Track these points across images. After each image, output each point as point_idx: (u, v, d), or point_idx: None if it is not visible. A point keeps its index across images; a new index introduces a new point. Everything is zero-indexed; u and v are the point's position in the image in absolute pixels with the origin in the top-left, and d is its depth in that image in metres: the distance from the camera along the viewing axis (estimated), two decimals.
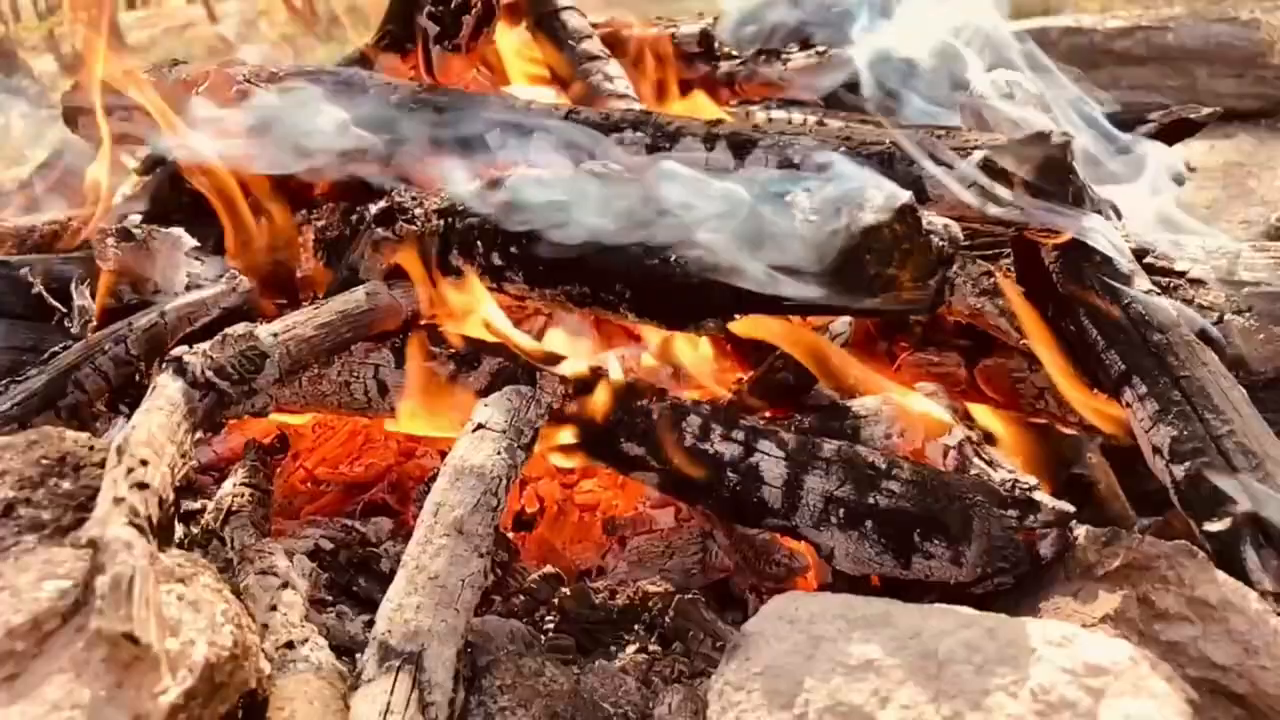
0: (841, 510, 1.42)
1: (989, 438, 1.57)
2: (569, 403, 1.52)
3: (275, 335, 1.48)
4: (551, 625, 1.51)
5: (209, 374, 1.37)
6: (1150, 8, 5.52)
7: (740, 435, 1.50)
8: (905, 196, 1.19)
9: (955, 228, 1.24)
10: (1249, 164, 4.10)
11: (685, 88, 2.47)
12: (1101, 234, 1.49)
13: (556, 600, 1.53)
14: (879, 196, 1.20)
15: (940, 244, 1.21)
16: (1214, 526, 1.27)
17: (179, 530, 1.63)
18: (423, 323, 1.69)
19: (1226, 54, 4.73)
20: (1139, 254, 1.65)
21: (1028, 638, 1.03)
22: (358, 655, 1.30)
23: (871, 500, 1.41)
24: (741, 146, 1.59)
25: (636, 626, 1.51)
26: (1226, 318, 1.58)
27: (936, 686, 0.99)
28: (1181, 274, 1.64)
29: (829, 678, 1.03)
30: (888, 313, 1.25)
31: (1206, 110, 1.95)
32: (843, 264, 1.20)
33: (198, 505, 1.70)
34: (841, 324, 1.80)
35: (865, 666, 1.03)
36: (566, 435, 1.53)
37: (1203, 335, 1.47)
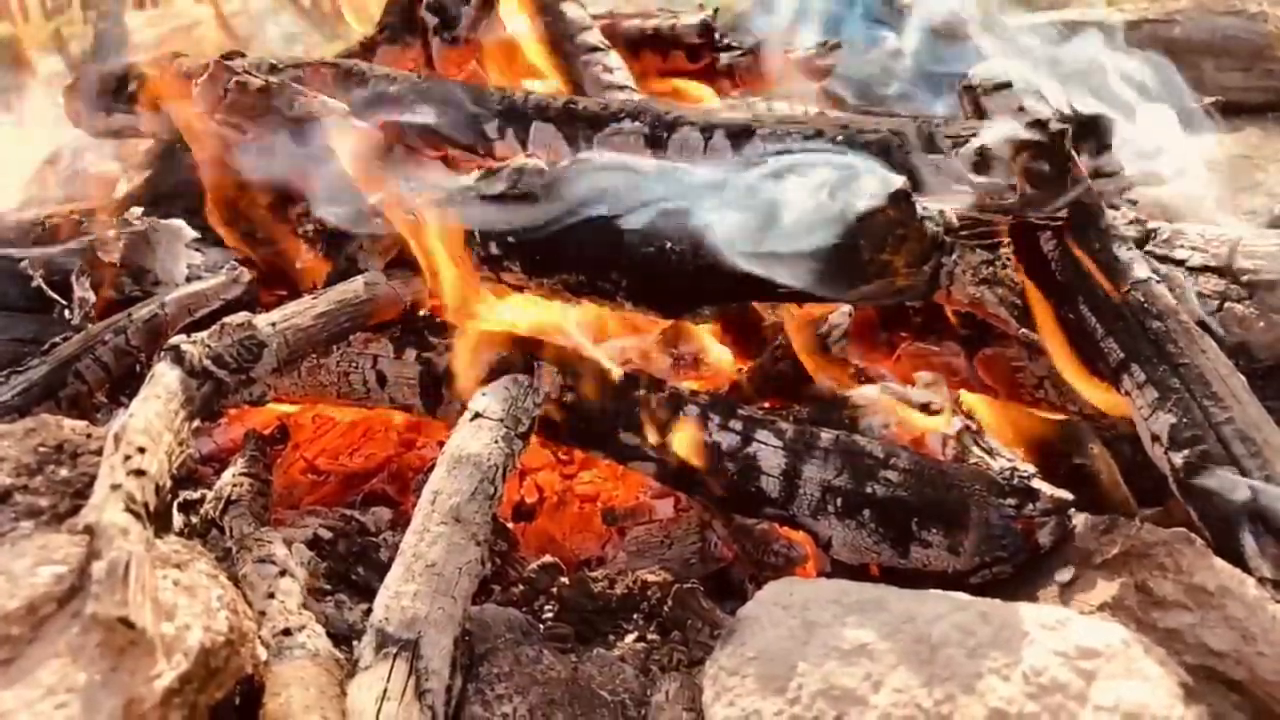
0: (839, 499, 1.42)
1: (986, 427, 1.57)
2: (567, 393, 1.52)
3: (273, 325, 1.48)
4: (550, 614, 1.51)
5: (207, 363, 1.38)
6: (1156, 1, 5.49)
7: (738, 425, 1.50)
8: (900, 182, 1.19)
9: (951, 214, 1.24)
10: (1255, 157, 4.07)
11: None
12: (1100, 222, 1.48)
13: (555, 589, 1.53)
14: (873, 182, 1.19)
15: (935, 230, 1.21)
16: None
17: (179, 520, 1.63)
18: (422, 313, 1.70)
19: (1233, 47, 4.69)
20: (1139, 241, 1.64)
21: (1020, 621, 1.02)
22: (356, 643, 1.30)
23: (869, 489, 1.41)
24: (739, 135, 1.59)
25: (635, 615, 1.51)
26: (1226, 305, 1.57)
27: (929, 670, 0.99)
28: (1181, 261, 1.63)
29: (822, 662, 1.03)
30: (882, 299, 1.25)
31: (1209, 99, 1.94)
32: (837, 250, 1.20)
33: (197, 495, 1.71)
34: (841, 314, 1.79)
35: (859, 651, 1.03)
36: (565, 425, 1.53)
37: (1202, 323, 1.46)
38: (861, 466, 1.43)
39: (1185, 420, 1.34)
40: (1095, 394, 1.53)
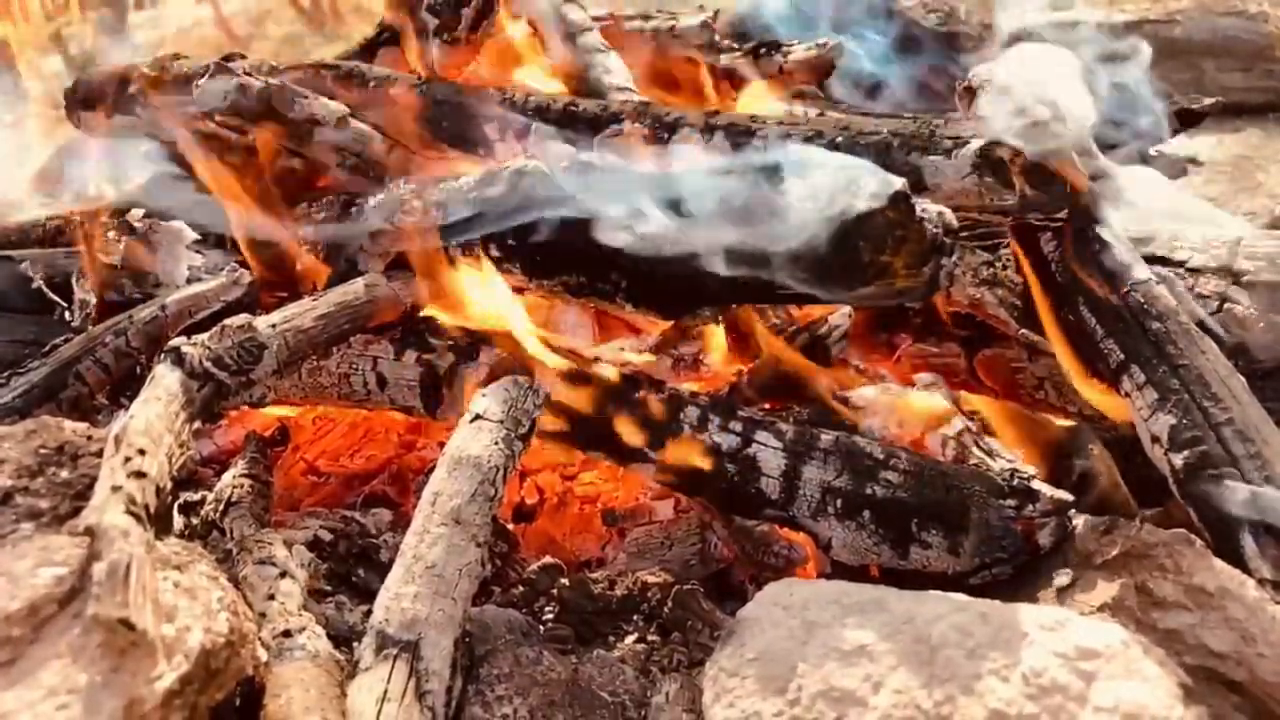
0: (839, 500, 1.42)
1: (987, 428, 1.57)
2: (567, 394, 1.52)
3: (273, 327, 1.48)
4: (551, 615, 1.51)
5: (207, 365, 1.38)
6: (1158, 1, 5.48)
7: (738, 426, 1.50)
8: (899, 183, 1.19)
9: (950, 215, 1.24)
10: (1256, 157, 4.07)
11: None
12: (1100, 222, 1.48)
13: (555, 590, 1.53)
14: (873, 183, 1.20)
15: (935, 231, 1.21)
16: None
17: (179, 521, 1.64)
18: (422, 314, 1.70)
19: (1234, 47, 4.69)
20: (1138, 242, 1.64)
21: (1020, 622, 1.02)
22: (356, 645, 1.30)
23: (869, 490, 1.41)
24: (739, 136, 1.59)
25: (635, 617, 1.51)
26: (1226, 306, 1.58)
27: (929, 671, 0.99)
28: (1181, 262, 1.63)
29: (822, 663, 1.03)
30: (883, 300, 1.25)
31: (1209, 100, 1.94)
32: (836, 251, 1.20)
33: (198, 497, 1.71)
34: (840, 316, 1.79)
35: (858, 652, 1.03)
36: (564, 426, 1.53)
37: (1202, 324, 1.46)
38: (861, 467, 1.43)
39: (1185, 421, 1.34)
40: (1095, 395, 1.53)
